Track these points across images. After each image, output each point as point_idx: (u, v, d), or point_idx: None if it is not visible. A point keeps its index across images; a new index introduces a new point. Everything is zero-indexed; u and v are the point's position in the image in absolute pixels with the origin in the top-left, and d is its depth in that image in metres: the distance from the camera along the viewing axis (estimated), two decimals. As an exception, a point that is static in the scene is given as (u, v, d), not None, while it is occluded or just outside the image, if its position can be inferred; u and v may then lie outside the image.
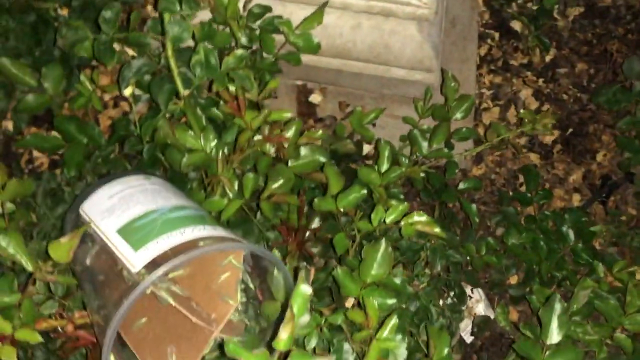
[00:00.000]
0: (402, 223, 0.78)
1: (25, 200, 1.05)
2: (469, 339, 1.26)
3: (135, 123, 1.05)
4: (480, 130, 1.42)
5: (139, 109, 1.08)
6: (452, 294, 1.05)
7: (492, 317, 1.25)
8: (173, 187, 0.91)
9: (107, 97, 1.39)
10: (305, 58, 1.33)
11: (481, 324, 1.11)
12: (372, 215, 0.80)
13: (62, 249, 0.71)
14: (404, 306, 0.93)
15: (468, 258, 1.16)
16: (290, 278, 0.78)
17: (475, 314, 1.25)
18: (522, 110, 1.13)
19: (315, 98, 1.42)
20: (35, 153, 1.33)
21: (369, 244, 0.76)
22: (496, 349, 1.30)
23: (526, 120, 1.06)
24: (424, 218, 0.77)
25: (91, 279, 0.77)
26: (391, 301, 0.75)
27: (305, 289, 0.54)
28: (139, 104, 1.08)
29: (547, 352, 0.80)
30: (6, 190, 0.78)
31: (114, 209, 0.81)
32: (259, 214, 0.93)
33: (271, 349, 0.54)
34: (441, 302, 1.06)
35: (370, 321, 0.69)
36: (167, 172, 1.01)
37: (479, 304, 1.28)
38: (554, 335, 0.80)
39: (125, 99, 1.39)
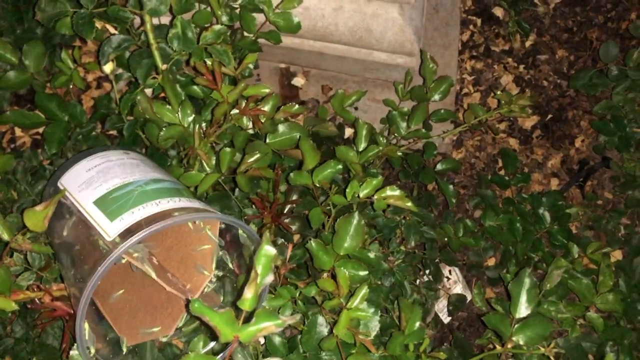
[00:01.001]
0: (375, 197, 0.79)
1: (6, 177, 1.05)
2: (446, 319, 1.28)
3: (116, 101, 1.05)
4: (462, 116, 1.44)
5: (120, 88, 1.09)
6: (427, 272, 1.07)
7: (469, 298, 1.27)
8: (152, 162, 0.92)
9: (90, 77, 1.40)
10: (288, 40, 1.34)
11: (457, 303, 1.13)
12: (347, 190, 0.81)
13: (37, 216, 0.71)
14: (379, 282, 0.94)
15: (446, 239, 1.18)
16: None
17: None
18: (498, 92, 1.14)
19: (298, 81, 1.43)
20: (18, 132, 1.33)
21: (342, 217, 0.77)
22: (473, 330, 1.32)
23: (503, 101, 1.07)
24: (396, 192, 0.79)
25: (67, 250, 0.78)
26: (363, 273, 0.76)
27: (268, 249, 0.55)
28: (120, 82, 1.08)
29: (516, 325, 0.81)
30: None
31: (92, 181, 0.82)
32: (237, 190, 0.94)
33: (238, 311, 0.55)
34: (418, 281, 1.08)
35: (340, 290, 0.70)
36: (147, 150, 1.02)
37: (456, 285, 1.29)
38: (523, 309, 0.81)
39: (108, 80, 1.40)
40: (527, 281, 0.82)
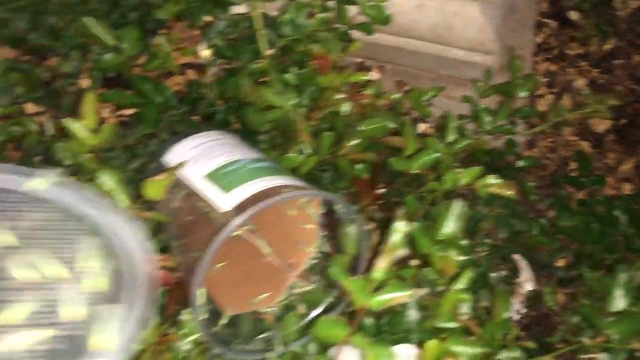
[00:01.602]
0: (476, 185, 0.80)
1: (103, 155, 1.10)
2: (515, 317, 1.28)
3: (208, 86, 1.09)
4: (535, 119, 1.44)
5: (211, 74, 1.13)
6: (507, 267, 1.08)
7: (538, 297, 1.28)
8: (247, 144, 0.96)
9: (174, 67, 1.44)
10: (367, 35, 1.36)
11: (533, 298, 1.13)
12: (445, 177, 0.83)
13: (158, 186, 0.75)
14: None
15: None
16: (364, 231, 0.82)
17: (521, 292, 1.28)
18: (584, 92, 1.14)
19: (372, 76, 1.45)
20: (104, 114, 1.38)
21: (443, 203, 0.79)
22: (540, 329, 1.32)
23: (588, 101, 1.08)
24: (498, 181, 0.80)
25: (177, 222, 0.82)
26: (463, 258, 0.78)
27: (401, 224, 0.57)
28: (212, 68, 1.12)
29: (610, 319, 0.82)
30: (101, 133, 0.83)
31: (198, 158, 0.85)
32: (328, 177, 0.96)
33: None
34: (495, 274, 1.09)
35: (448, 271, 0.72)
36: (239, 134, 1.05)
37: (527, 283, 1.30)
38: (618, 303, 0.82)
39: (191, 67, 1.44)
40: (623, 275, 0.83)
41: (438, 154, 0.86)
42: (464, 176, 0.82)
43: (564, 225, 1.23)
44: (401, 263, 0.89)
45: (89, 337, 0.39)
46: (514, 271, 1.09)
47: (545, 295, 1.21)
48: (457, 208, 0.78)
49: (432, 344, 0.74)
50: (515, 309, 1.28)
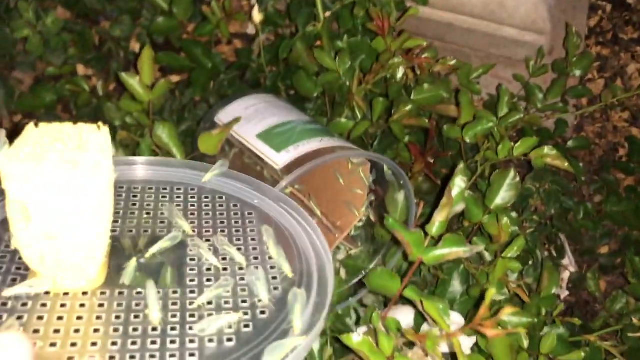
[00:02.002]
0: (532, 155, 0.79)
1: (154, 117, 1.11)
2: (555, 301, 1.27)
3: (259, 53, 1.09)
4: (584, 102, 1.41)
5: (260, 41, 1.13)
6: (553, 246, 1.06)
7: (580, 283, 1.26)
8: (298, 109, 0.96)
9: (232, 29, 1.45)
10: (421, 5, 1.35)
11: (577, 281, 1.12)
12: (499, 148, 0.82)
13: (213, 140, 0.75)
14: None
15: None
16: (413, 197, 0.81)
17: (563, 278, 1.26)
18: (630, 68, 1.11)
19: (422, 53, 1.44)
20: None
21: (497, 172, 0.78)
22: (580, 315, 1.30)
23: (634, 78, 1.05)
24: (554, 152, 0.79)
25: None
26: (513, 228, 0.77)
27: (461, 180, 0.57)
28: (262, 35, 1.12)
29: (662, 298, 0.80)
30: (156, 88, 0.83)
31: (251, 118, 0.86)
32: (374, 144, 0.96)
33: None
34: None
35: (502, 236, 0.71)
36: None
37: (568, 268, 1.28)
38: (669, 282, 0.80)
39: (238, 37, 1.45)
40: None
41: (491, 124, 0.85)
42: (520, 146, 0.80)
43: (611, 211, 1.21)
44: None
45: (274, 320, 0.41)
46: (560, 252, 1.07)
47: (588, 280, 1.19)
48: (510, 177, 0.77)
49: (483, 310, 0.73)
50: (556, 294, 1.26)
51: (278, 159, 0.76)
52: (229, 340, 0.40)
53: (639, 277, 0.89)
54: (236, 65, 1.14)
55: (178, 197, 0.52)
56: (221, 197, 0.52)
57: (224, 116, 0.90)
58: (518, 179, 0.78)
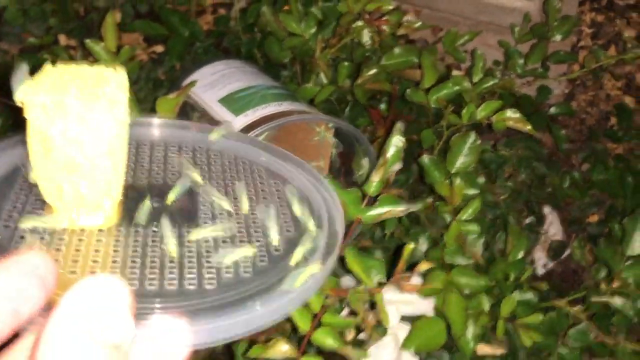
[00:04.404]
0: (494, 118, 0.78)
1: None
2: (540, 270, 1.26)
3: (235, 20, 1.09)
4: (577, 69, 1.39)
5: (238, 9, 1.12)
6: (531, 214, 1.05)
7: (567, 252, 1.24)
8: (269, 75, 0.95)
9: (207, 3, 1.44)
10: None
11: (557, 249, 1.11)
12: (463, 111, 0.81)
13: (170, 103, 0.75)
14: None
15: (550, 189, 1.15)
16: (375, 161, 0.81)
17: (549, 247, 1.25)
18: (625, 35, 1.08)
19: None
20: (138, 51, 1.40)
21: (458, 135, 0.77)
22: (567, 285, 1.29)
23: (629, 45, 1.02)
24: (517, 115, 0.77)
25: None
26: (473, 191, 0.76)
27: (398, 139, 0.56)
28: (241, 2, 1.12)
29: (627, 263, 0.79)
30: (121, 54, 0.83)
31: (216, 83, 0.86)
32: (347, 111, 0.95)
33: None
34: (519, 221, 1.07)
35: (454, 197, 0.70)
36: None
37: (555, 237, 1.27)
38: (636, 247, 0.79)
39: (223, 6, 1.44)
40: (644, 219, 0.80)
41: (457, 88, 0.83)
42: (482, 109, 0.79)
43: (597, 179, 1.19)
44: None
45: (288, 258, 0.42)
46: (539, 219, 1.06)
47: (574, 249, 1.18)
48: (470, 141, 0.76)
49: (436, 273, 0.73)
50: (542, 263, 1.25)
51: (236, 122, 0.76)
52: (246, 272, 0.41)
53: (611, 243, 0.87)
54: (214, 33, 1.13)
55: (187, 154, 0.53)
56: (230, 155, 0.54)
57: (190, 81, 0.90)
58: (479, 142, 0.77)
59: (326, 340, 0.50)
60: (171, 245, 0.42)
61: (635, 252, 0.79)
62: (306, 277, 0.39)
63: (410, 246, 0.50)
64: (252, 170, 0.52)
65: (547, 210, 1.27)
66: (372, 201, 0.56)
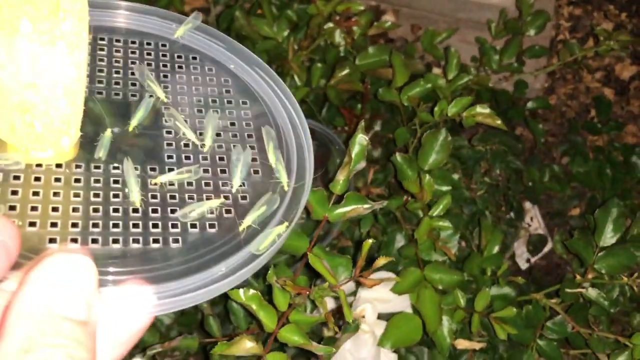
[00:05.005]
0: (464, 114, 0.79)
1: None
2: (523, 265, 1.27)
3: (216, 23, 1.09)
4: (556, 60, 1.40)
5: (217, 12, 1.13)
6: (510, 209, 1.06)
7: (550, 246, 1.25)
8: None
9: (186, 8, 1.45)
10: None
11: (537, 243, 1.12)
12: (435, 108, 0.82)
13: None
14: (459, 211, 0.95)
15: (530, 183, 1.16)
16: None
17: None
18: (597, 28, 1.09)
19: (387, 19, 1.42)
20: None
21: (429, 132, 0.78)
22: (551, 278, 1.30)
23: (602, 38, 1.03)
24: (486, 110, 0.78)
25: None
26: (445, 188, 0.77)
27: (362, 137, 0.57)
28: (218, 7, 1.12)
29: (599, 254, 0.80)
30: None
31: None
32: (324, 111, 0.96)
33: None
34: (499, 217, 1.07)
35: (424, 194, 0.71)
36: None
37: (537, 232, 1.27)
38: (608, 238, 0.80)
39: (202, 10, 1.45)
40: (614, 210, 0.81)
41: (429, 86, 0.84)
42: (453, 106, 0.80)
43: (577, 172, 1.20)
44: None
45: (254, 206, 0.40)
46: (518, 214, 1.07)
47: (555, 243, 1.19)
48: (441, 137, 0.77)
49: (410, 270, 0.74)
50: (525, 257, 1.26)
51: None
52: (211, 226, 0.39)
53: (584, 234, 0.88)
54: (193, 38, 1.14)
55: (148, 54, 0.47)
56: (195, 58, 0.48)
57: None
58: (449, 138, 0.78)
59: (292, 337, 0.50)
60: (134, 193, 0.39)
61: (607, 243, 0.80)
62: (273, 239, 0.38)
63: (369, 242, 0.51)
64: (219, 82, 0.47)
65: (528, 204, 1.28)
66: (339, 200, 0.57)
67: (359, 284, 0.71)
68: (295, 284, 0.51)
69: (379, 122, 0.98)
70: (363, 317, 0.77)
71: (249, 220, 0.39)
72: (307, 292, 0.51)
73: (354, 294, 0.80)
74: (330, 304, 0.76)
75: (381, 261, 0.50)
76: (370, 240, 0.50)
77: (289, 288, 0.50)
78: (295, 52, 0.86)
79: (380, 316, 0.80)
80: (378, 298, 0.77)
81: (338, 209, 0.57)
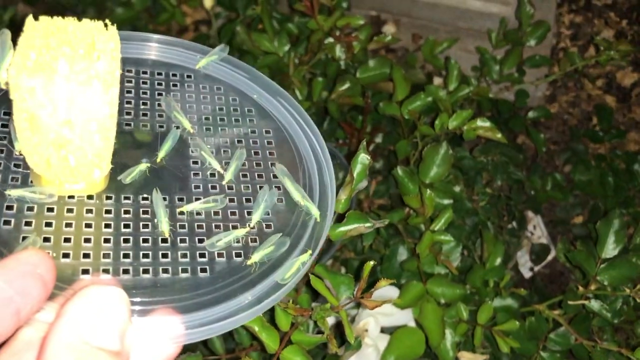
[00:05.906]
0: (465, 128, 0.79)
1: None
2: (527, 273, 1.27)
3: (217, 36, 1.10)
4: (557, 71, 1.40)
5: (218, 26, 1.14)
6: (511, 218, 1.06)
7: (553, 254, 1.25)
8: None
9: (188, 20, 1.46)
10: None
11: (540, 253, 1.12)
12: (436, 122, 0.82)
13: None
14: (462, 222, 0.95)
15: (532, 192, 1.16)
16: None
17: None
18: (597, 38, 1.09)
19: (388, 29, 1.43)
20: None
21: (430, 146, 0.78)
22: (555, 287, 1.30)
23: (602, 48, 1.03)
24: (487, 124, 0.78)
25: None
26: (447, 201, 0.77)
27: (364, 157, 0.57)
28: (219, 20, 1.13)
29: (601, 265, 0.80)
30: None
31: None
32: (325, 124, 0.97)
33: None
34: (501, 227, 1.08)
35: (426, 209, 0.71)
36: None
37: (540, 240, 1.28)
38: (610, 249, 0.80)
39: (204, 23, 1.45)
40: (616, 221, 0.81)
41: (429, 99, 0.85)
42: (454, 119, 0.80)
43: (579, 180, 1.20)
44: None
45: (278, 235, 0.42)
46: (521, 223, 1.07)
47: (558, 252, 1.19)
48: (442, 150, 0.77)
49: (412, 284, 0.74)
50: (528, 266, 1.26)
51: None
52: (237, 255, 0.41)
53: (586, 246, 0.88)
54: (194, 51, 1.15)
55: (174, 85, 0.49)
56: (219, 88, 0.50)
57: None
58: (450, 152, 0.78)
59: (295, 358, 0.51)
60: (164, 223, 0.40)
61: (609, 255, 0.80)
62: (297, 268, 0.39)
63: (370, 264, 0.51)
64: (242, 112, 0.49)
65: (531, 213, 1.28)
66: (341, 218, 0.57)
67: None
68: (297, 304, 0.51)
69: (380, 135, 0.98)
70: (366, 330, 0.78)
71: (256, 257, 0.41)
72: (309, 314, 0.52)
73: (357, 306, 0.80)
74: (331, 319, 0.76)
75: (383, 283, 0.50)
76: (371, 262, 0.50)
77: (290, 310, 0.51)
78: (296, 67, 0.86)
79: (383, 329, 0.80)
80: (380, 312, 0.77)
81: (339, 227, 0.57)
